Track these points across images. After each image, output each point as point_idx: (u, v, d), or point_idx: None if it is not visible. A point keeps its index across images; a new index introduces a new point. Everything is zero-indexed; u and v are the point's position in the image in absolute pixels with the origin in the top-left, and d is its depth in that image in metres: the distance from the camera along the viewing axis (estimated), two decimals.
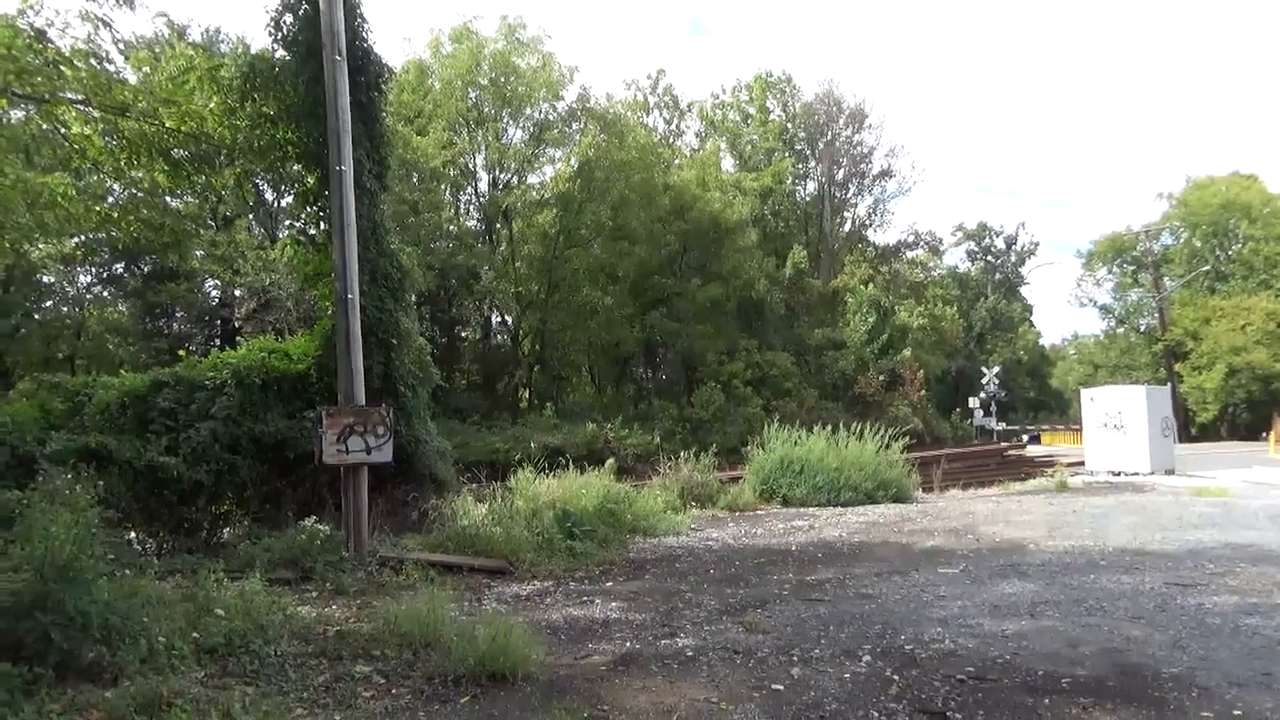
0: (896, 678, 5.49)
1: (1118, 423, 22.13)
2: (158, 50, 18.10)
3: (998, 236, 68.47)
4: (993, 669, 5.63)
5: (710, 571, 9.44)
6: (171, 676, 5.14)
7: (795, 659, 5.96)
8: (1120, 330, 64.19)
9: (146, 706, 4.64)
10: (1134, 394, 22.53)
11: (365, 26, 11.67)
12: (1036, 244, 72.14)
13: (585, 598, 8.23)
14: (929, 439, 36.15)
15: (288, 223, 22.32)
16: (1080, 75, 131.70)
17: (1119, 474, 21.46)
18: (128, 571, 6.32)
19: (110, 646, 5.28)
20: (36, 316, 28.46)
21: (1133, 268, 61.41)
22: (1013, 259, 68.30)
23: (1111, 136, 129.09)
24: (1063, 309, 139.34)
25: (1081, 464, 23.28)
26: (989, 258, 68.59)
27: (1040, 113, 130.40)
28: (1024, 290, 69.04)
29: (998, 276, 67.04)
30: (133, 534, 9.85)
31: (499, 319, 36.93)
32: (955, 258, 67.79)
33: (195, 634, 5.86)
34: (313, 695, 5.23)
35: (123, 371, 12.64)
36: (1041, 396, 72.00)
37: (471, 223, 35.86)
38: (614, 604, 7.89)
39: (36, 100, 9.63)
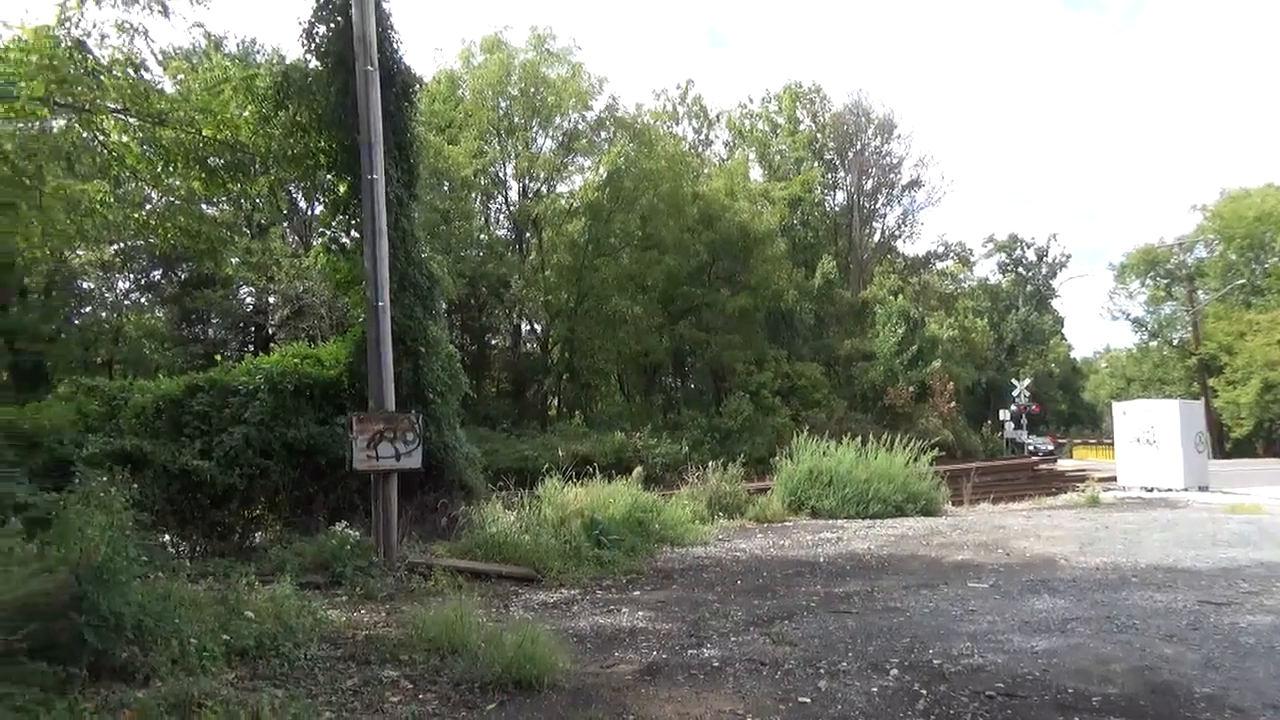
0: (924, 693, 5.42)
1: (1150, 437, 21.75)
2: (195, 60, 18.43)
3: (1029, 248, 67.84)
4: (1022, 686, 5.54)
5: (737, 582, 9.39)
6: (202, 678, 5.20)
7: (822, 671, 5.90)
8: (1153, 344, 63.18)
9: (177, 707, 4.69)
10: (1167, 408, 22.13)
11: (396, 37, 11.80)
12: (1068, 256, 71.21)
13: (612, 606, 8.22)
14: (959, 452, 35.85)
15: (320, 230, 22.60)
16: (1113, 86, 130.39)
17: (1152, 490, 21.08)
18: (161, 574, 6.41)
19: (143, 647, 5.35)
20: (76, 321, 28.92)
21: (1166, 281, 60.53)
22: (1044, 271, 67.58)
23: (1145, 147, 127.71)
24: (1095, 322, 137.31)
25: (1114, 479, 22.90)
26: (1020, 269, 67.88)
27: (1073, 123, 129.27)
28: (1055, 302, 68.34)
29: (1029, 288, 66.30)
30: (166, 537, 9.99)
31: (528, 327, 37.12)
32: (986, 269, 67.33)
33: (226, 636, 5.91)
34: (341, 699, 5.26)
35: (159, 376, 12.81)
36: (1073, 410, 71.14)
37: (501, 231, 36.15)
38: (641, 613, 7.87)
39: (77, 109, 9.80)
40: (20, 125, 9.90)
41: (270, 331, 30.65)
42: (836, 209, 50.79)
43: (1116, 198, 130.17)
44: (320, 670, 5.77)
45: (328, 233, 13.30)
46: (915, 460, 16.81)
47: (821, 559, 10.88)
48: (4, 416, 10.15)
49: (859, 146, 49.51)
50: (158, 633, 5.45)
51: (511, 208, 35.38)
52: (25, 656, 4.69)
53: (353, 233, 12.13)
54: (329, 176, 12.19)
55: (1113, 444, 26.23)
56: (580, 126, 34.74)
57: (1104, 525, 13.98)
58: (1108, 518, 15.17)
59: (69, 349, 27.05)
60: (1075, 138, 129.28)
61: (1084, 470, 28.61)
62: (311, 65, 11.62)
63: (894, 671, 5.88)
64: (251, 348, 30.25)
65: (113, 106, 10.02)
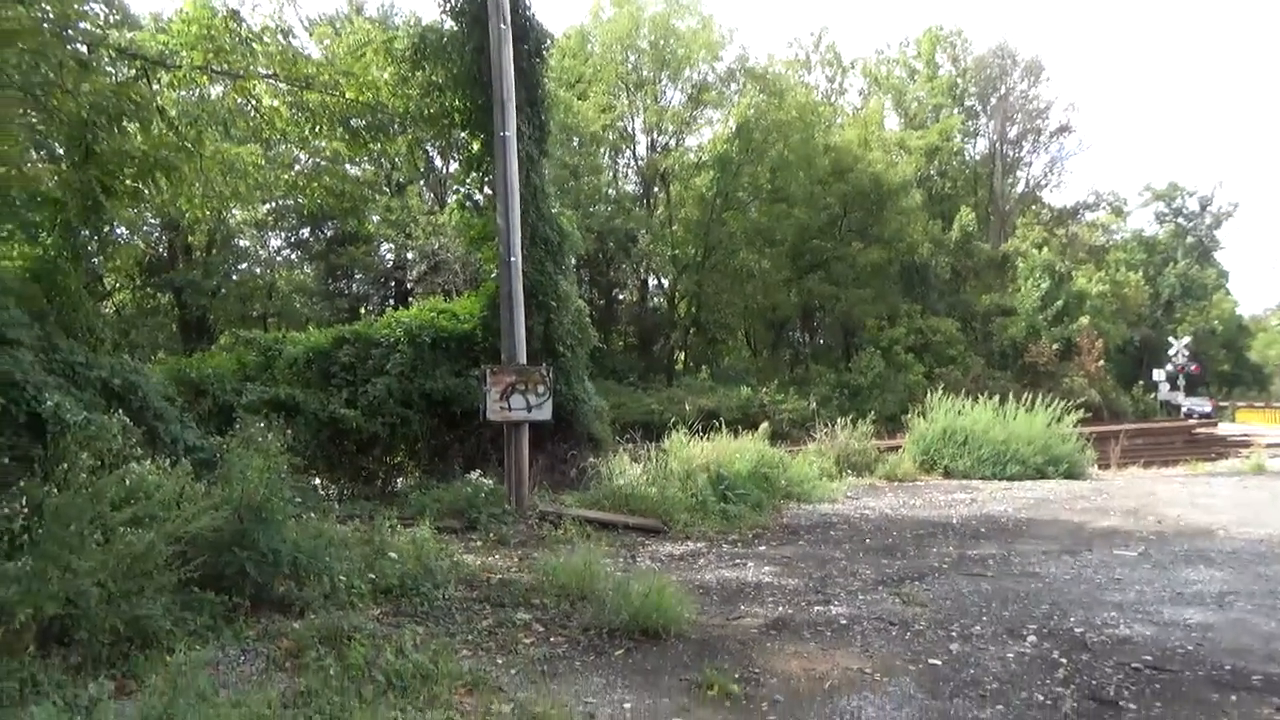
0: (1064, 661, 5.22)
1: None
2: (338, 25, 19.12)
3: (1190, 196, 62.93)
4: (1173, 660, 5.26)
5: (866, 540, 9.27)
6: (351, 612, 5.56)
7: (954, 634, 5.78)
8: None
9: (329, 638, 5.03)
10: None
11: None
12: (1235, 204, 65.47)
13: (738, 560, 8.26)
14: (1107, 413, 34.07)
15: (455, 188, 23.24)
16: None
17: None
18: (312, 514, 6.83)
19: (298, 582, 5.76)
20: (234, 277, 30.96)
21: None
22: (1207, 221, 62.63)
23: None
24: (1266, 275, 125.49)
25: None
26: (1180, 219, 63.17)
27: (1245, 59, 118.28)
28: (1219, 255, 63.30)
29: (1189, 240, 61.70)
30: (316, 480, 10.64)
31: (655, 282, 37.25)
32: (1142, 220, 62.84)
33: (372, 574, 6.29)
34: (477, 638, 5.51)
35: (308, 329, 13.55)
36: (1237, 370, 66.06)
37: (630, 186, 36.27)
38: (766, 568, 7.89)
39: (232, 76, 10.36)
40: (182, 93, 10.55)
41: (409, 286, 31.93)
42: (977, 158, 48.48)
43: None
44: (458, 610, 6.07)
45: (462, 190, 13.71)
46: (1058, 421, 16.11)
47: (955, 520, 10.60)
48: (175, 366, 11.03)
49: (1003, 91, 46.92)
50: (310, 569, 5.84)
51: (640, 162, 35.41)
52: (197, 586, 5.13)
53: (486, 189, 12.44)
54: (463, 135, 12.51)
55: None
56: (710, 78, 34.32)
57: (1271, 494, 13.04)
58: (1275, 486, 14.15)
59: (229, 303, 28.98)
60: (1249, 74, 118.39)
61: (1248, 435, 26.77)
62: (447, 26, 11.87)
63: (1031, 638, 5.70)
64: (392, 302, 31.62)
65: (264, 72, 10.54)
